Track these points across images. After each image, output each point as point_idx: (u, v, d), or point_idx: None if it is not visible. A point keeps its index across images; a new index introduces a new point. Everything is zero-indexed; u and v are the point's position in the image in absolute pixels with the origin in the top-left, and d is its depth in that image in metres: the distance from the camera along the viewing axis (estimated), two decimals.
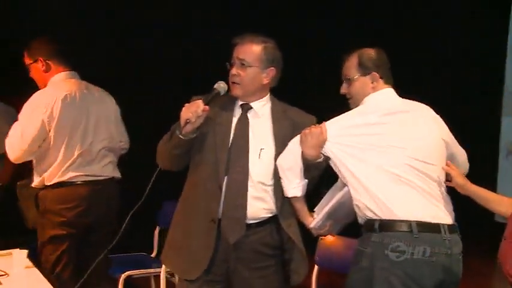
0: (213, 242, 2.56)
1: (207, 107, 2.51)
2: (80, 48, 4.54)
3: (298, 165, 2.53)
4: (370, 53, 2.59)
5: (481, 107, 6.25)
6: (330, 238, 3.19)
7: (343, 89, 2.62)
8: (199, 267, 2.57)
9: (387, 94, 2.57)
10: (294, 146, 2.54)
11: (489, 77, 6.26)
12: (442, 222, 2.39)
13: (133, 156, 3.64)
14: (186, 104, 2.53)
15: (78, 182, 3.33)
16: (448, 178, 2.50)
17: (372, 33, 4.87)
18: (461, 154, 2.66)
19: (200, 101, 2.51)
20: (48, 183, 3.32)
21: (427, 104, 2.62)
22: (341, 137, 2.48)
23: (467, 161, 2.70)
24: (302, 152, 2.51)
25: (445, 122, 2.60)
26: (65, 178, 3.30)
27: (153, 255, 4.06)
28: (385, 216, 2.37)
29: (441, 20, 6.07)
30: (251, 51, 2.61)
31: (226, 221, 2.56)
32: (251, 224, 2.59)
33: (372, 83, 2.55)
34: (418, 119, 2.52)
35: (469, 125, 5.79)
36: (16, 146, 3.27)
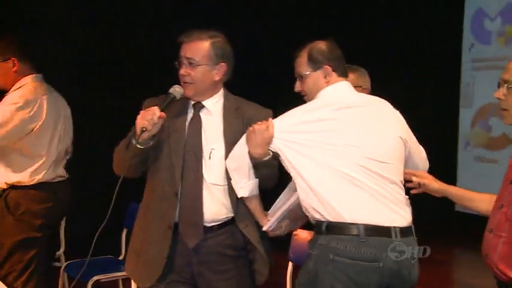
0: (168, 249, 2.49)
1: (163, 113, 2.40)
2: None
3: (246, 164, 2.41)
4: (321, 46, 2.45)
5: (439, 99, 6.38)
6: (303, 234, 3.00)
7: (297, 87, 2.50)
8: (153, 274, 2.50)
9: (342, 87, 2.43)
10: (241, 144, 2.43)
11: (446, 69, 6.40)
12: (394, 225, 2.26)
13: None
14: (141, 112, 2.41)
15: (54, 182, 3.34)
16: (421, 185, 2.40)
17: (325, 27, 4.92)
18: (419, 152, 2.55)
19: (156, 107, 2.40)
20: (31, 183, 3.27)
21: (384, 98, 2.52)
22: (288, 134, 2.34)
23: (426, 158, 2.59)
24: (248, 150, 2.39)
25: (403, 115, 2.49)
26: (47, 178, 3.30)
27: (120, 257, 4.02)
28: (332, 218, 2.26)
29: (397, 12, 6.16)
30: (198, 49, 2.49)
31: (184, 226, 2.49)
32: (211, 226, 2.52)
33: (325, 77, 2.42)
34: (374, 114, 2.39)
35: (427, 118, 5.93)
36: None
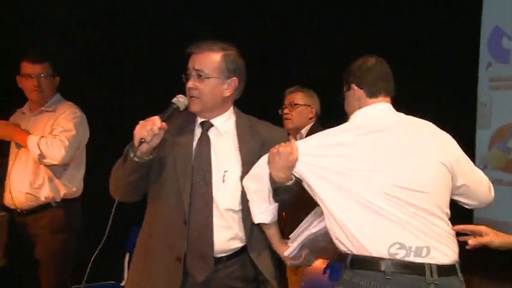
0: (179, 283, 2.27)
1: (164, 123, 2.22)
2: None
3: (266, 187, 2.23)
4: (354, 64, 2.30)
5: (455, 119, 6.24)
6: (317, 263, 2.78)
7: (345, 108, 2.36)
8: None
9: (374, 110, 2.23)
10: (261, 165, 2.25)
11: (462, 88, 6.27)
12: (429, 262, 2.02)
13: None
14: (141, 122, 2.23)
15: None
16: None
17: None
18: (478, 180, 2.30)
19: (156, 117, 2.22)
20: (76, 196, 3.58)
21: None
22: (311, 157, 2.18)
23: (490, 188, 2.34)
24: (270, 173, 2.22)
25: None
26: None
27: (122, 283, 3.90)
28: (357, 251, 2.06)
29: (411, 29, 6.07)
30: (209, 61, 2.32)
31: (192, 258, 2.28)
32: (221, 257, 2.32)
33: (355, 98, 2.26)
34: (409, 137, 2.17)
35: None
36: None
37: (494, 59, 6.13)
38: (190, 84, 2.34)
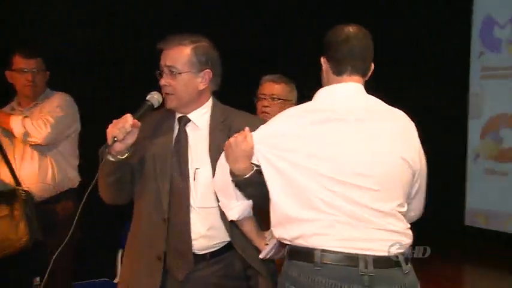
0: (159, 282, 2.24)
1: (136, 121, 2.17)
2: None
3: (230, 183, 2.12)
4: (330, 34, 2.10)
5: (446, 110, 6.25)
6: None
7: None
8: None
9: (340, 90, 2.07)
10: (221, 161, 2.15)
11: (454, 78, 6.28)
12: (365, 253, 1.91)
13: None
14: (114, 120, 2.19)
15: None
16: None
17: None
18: (423, 190, 2.15)
19: (128, 115, 2.18)
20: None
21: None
22: (266, 147, 2.05)
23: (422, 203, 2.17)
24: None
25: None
26: None
27: (116, 280, 3.87)
28: (293, 241, 1.97)
29: (404, 19, 6.06)
30: (179, 56, 2.26)
31: (172, 256, 2.25)
32: (204, 254, 2.27)
33: (323, 69, 2.11)
34: (368, 130, 2.01)
35: (435, 130, 5.78)
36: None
37: (486, 48, 6.13)
38: (163, 81, 2.29)
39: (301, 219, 1.95)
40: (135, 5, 5.08)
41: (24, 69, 3.50)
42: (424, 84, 6.15)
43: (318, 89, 2.15)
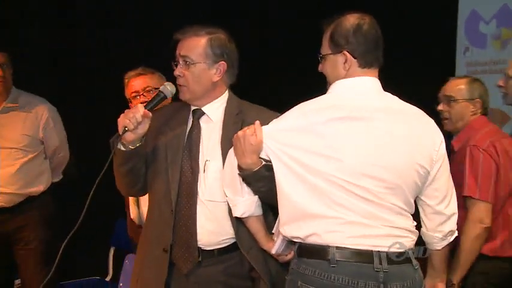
0: (165, 274, 2.24)
1: (147, 112, 2.17)
2: None
3: (237, 178, 2.11)
4: (347, 24, 2.07)
5: (432, 105, 6.26)
6: None
7: (320, 68, 2.17)
8: None
9: (359, 85, 2.05)
10: (230, 155, 2.14)
11: (439, 73, 6.29)
12: (378, 250, 1.94)
13: None
14: (126, 110, 2.20)
15: None
16: None
17: None
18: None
19: (140, 105, 2.19)
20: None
21: None
22: (277, 143, 2.03)
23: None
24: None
25: None
26: None
27: (107, 278, 3.87)
28: (304, 238, 1.97)
29: (389, 14, 6.07)
30: (194, 46, 2.26)
31: (178, 248, 2.26)
32: (211, 250, 2.27)
33: (344, 63, 2.07)
34: (388, 132, 2.01)
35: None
36: None
37: (472, 44, 6.15)
38: (177, 71, 2.29)
39: (315, 215, 1.95)
40: (135, 5, 5.09)
41: None
42: (410, 79, 6.17)
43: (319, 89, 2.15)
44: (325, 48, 2.12)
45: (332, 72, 2.11)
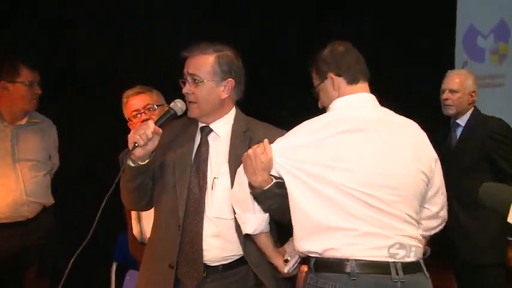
0: None
1: (158, 128, 2.20)
2: None
3: (247, 195, 2.13)
4: (323, 52, 2.22)
5: (431, 119, 6.28)
6: None
7: (320, 104, 2.27)
8: None
9: (356, 100, 2.15)
10: (239, 173, 2.17)
11: (439, 87, 6.32)
12: (394, 260, 2.00)
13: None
14: (136, 126, 2.21)
15: None
16: None
17: None
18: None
19: (150, 121, 2.21)
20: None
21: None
22: (287, 160, 2.08)
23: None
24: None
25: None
26: None
27: None
28: (321, 253, 2.01)
29: (388, 27, 6.12)
30: (202, 64, 2.28)
31: (184, 265, 2.27)
32: (216, 266, 2.28)
33: (333, 85, 2.17)
34: (388, 141, 2.10)
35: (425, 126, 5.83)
36: None
37: (470, 57, 6.21)
38: (185, 89, 2.31)
39: (331, 227, 1.99)
40: (135, 5, 5.14)
41: (33, 82, 3.40)
42: (409, 94, 6.19)
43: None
44: (315, 82, 2.24)
45: (328, 99, 2.21)
